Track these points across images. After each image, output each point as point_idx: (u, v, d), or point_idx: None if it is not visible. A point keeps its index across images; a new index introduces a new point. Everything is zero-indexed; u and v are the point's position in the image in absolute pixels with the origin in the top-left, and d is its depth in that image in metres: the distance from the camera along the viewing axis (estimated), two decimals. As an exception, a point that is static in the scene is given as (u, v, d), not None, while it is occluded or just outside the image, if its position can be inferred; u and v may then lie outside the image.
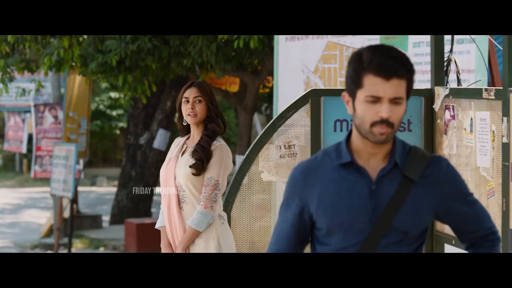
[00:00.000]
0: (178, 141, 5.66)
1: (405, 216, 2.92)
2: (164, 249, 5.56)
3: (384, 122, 2.84)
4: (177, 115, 5.65)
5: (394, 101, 2.84)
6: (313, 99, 5.61)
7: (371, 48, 2.88)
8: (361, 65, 2.86)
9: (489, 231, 3.06)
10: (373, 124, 2.85)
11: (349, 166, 2.95)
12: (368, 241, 2.91)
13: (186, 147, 5.57)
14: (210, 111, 5.54)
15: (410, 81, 2.88)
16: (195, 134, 5.57)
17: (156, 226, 5.66)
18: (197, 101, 5.52)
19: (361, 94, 2.86)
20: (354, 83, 2.88)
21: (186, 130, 5.65)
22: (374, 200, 2.92)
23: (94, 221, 15.18)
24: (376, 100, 2.84)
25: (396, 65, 2.83)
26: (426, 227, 2.99)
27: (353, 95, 2.90)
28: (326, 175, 2.96)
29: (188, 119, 5.52)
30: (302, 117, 5.66)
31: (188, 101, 5.52)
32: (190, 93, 5.53)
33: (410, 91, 2.90)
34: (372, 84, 2.84)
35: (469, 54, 6.50)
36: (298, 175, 3.00)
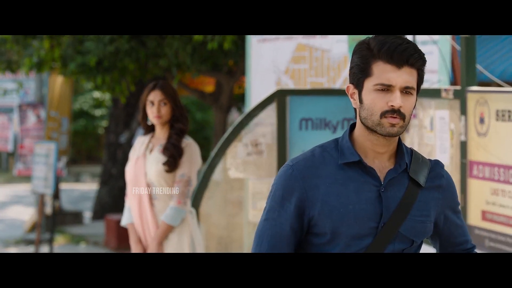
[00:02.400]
0: (142, 140, 5.63)
1: (412, 222, 2.64)
2: (134, 246, 5.52)
3: (396, 111, 2.55)
4: (140, 115, 5.61)
5: (406, 90, 2.57)
6: (279, 98, 5.61)
7: (380, 36, 2.61)
8: (369, 52, 2.58)
9: (471, 245, 2.83)
10: (383, 114, 2.56)
11: (355, 166, 2.63)
12: (372, 248, 2.61)
13: (153, 145, 5.55)
14: (175, 111, 5.53)
15: (421, 71, 2.61)
16: (161, 133, 5.56)
17: (123, 224, 5.62)
18: (163, 104, 5.50)
19: (369, 83, 2.59)
20: (361, 71, 2.60)
21: (149, 129, 5.62)
22: (382, 204, 2.62)
23: (76, 217, 15.13)
24: (386, 88, 2.56)
25: (407, 52, 2.56)
26: (427, 236, 2.74)
27: (359, 86, 2.62)
28: (329, 174, 2.62)
29: (154, 121, 5.51)
30: (269, 116, 5.65)
31: (153, 104, 5.49)
32: (155, 96, 5.50)
33: (421, 83, 2.64)
34: (382, 71, 2.56)
35: (432, 55, 6.48)
36: (296, 174, 2.63)
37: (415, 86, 2.60)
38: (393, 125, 2.57)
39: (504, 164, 4.49)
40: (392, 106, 2.56)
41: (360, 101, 2.63)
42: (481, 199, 4.65)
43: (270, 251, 2.64)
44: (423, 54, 2.62)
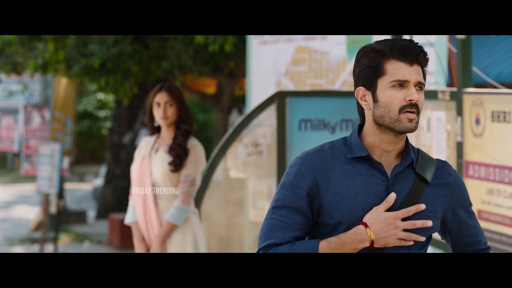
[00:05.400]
0: (148, 140, 5.62)
1: (418, 217, 2.67)
2: (138, 244, 5.51)
3: (414, 106, 2.62)
4: (147, 116, 5.60)
5: (419, 85, 2.65)
6: (279, 100, 5.61)
7: (384, 40, 2.69)
8: (380, 53, 2.66)
9: (485, 246, 2.84)
10: (402, 109, 2.62)
11: (363, 160, 2.68)
12: None
13: (158, 146, 5.54)
14: (181, 112, 5.52)
15: (424, 70, 2.71)
16: (166, 134, 5.55)
17: (127, 222, 5.60)
18: (169, 105, 5.49)
19: (384, 81, 2.65)
20: (374, 72, 2.66)
21: (155, 130, 5.61)
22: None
23: (80, 217, 15.14)
24: (402, 84, 2.63)
25: (416, 51, 2.65)
26: (433, 232, 2.76)
27: (373, 86, 2.67)
28: (338, 168, 2.68)
29: (160, 122, 5.50)
30: (269, 117, 5.65)
31: (159, 105, 5.48)
32: (161, 98, 5.49)
33: (425, 81, 2.71)
34: (396, 69, 2.63)
35: (429, 57, 6.47)
36: (307, 164, 2.68)
37: (424, 82, 2.68)
38: (411, 121, 2.63)
39: (500, 164, 4.49)
40: (410, 100, 2.62)
41: (375, 100, 2.67)
42: (477, 199, 4.65)
43: (284, 219, 2.66)
44: (427, 54, 2.71)
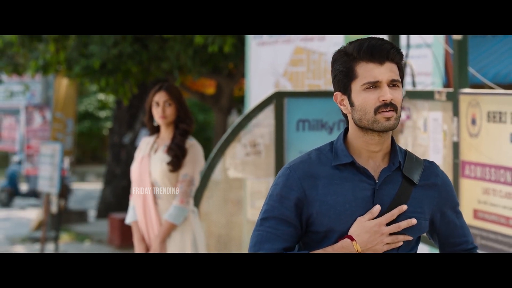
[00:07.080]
0: (148, 140, 5.62)
1: (403, 218, 2.63)
2: (137, 243, 5.51)
3: (388, 105, 2.57)
4: (146, 116, 5.60)
5: (392, 83, 2.60)
6: (277, 100, 5.61)
7: (355, 41, 2.64)
8: (350, 57, 2.62)
9: (472, 245, 2.81)
10: (377, 110, 2.58)
11: (350, 166, 2.64)
12: None
13: (158, 146, 5.54)
14: (180, 112, 5.52)
15: (401, 65, 2.65)
16: (165, 134, 5.55)
17: (127, 222, 5.60)
18: (167, 105, 5.48)
19: (356, 85, 2.61)
20: (346, 76, 2.62)
21: (155, 130, 5.61)
22: (377, 202, 2.63)
23: (81, 216, 15.14)
24: (374, 85, 2.59)
25: (385, 48, 2.60)
26: (422, 233, 2.73)
27: (347, 90, 2.64)
28: (326, 175, 2.64)
29: (159, 121, 5.50)
30: (267, 117, 5.66)
31: (158, 105, 5.48)
32: (160, 97, 5.49)
33: (403, 77, 2.67)
34: (366, 70, 2.59)
35: (426, 58, 6.49)
36: (294, 174, 2.65)
37: (399, 78, 2.63)
38: (388, 119, 2.59)
39: (495, 164, 4.49)
40: (384, 100, 2.58)
41: (351, 104, 2.64)
42: (473, 198, 4.65)
43: (272, 230, 2.63)
44: (400, 49, 2.67)
